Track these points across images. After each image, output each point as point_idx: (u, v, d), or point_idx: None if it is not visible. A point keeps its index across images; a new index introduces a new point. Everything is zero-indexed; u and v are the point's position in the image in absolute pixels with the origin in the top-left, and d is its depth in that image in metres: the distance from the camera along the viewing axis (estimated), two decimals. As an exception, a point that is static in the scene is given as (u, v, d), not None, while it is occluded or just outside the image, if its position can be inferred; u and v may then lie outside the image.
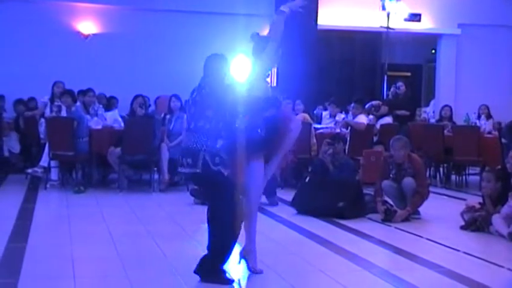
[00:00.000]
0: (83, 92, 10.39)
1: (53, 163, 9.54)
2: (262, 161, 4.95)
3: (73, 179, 9.70)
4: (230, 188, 4.74)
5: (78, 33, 13.46)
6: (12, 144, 11.22)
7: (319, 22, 13.59)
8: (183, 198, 8.59)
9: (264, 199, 8.33)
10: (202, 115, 4.76)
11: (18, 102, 11.88)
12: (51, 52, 12.89)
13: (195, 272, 4.82)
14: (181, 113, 9.91)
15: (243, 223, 4.93)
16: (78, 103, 9.83)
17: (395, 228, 7.11)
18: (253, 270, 5.08)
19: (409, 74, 16.93)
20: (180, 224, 7.10)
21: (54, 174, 9.64)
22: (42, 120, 10.01)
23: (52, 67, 12.36)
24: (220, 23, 13.48)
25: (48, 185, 9.41)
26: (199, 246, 5.50)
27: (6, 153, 11.06)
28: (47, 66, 12.45)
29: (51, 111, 9.95)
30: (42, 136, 10.03)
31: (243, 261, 5.13)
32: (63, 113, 9.64)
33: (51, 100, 10.19)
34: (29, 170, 9.66)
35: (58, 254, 5.62)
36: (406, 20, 14.88)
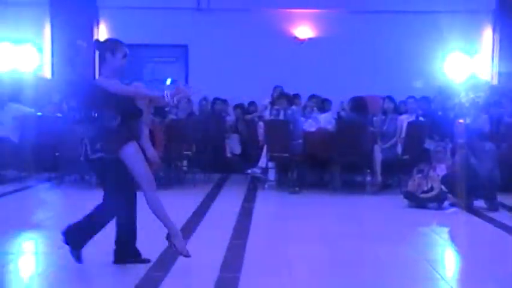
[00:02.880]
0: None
1: (270, 164, 9.99)
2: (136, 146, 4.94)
3: (289, 179, 10.06)
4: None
5: (295, 38, 13.93)
6: (234, 145, 11.91)
7: None
8: (396, 201, 8.53)
9: (482, 203, 8.01)
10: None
11: (237, 106, 12.58)
12: (269, 57, 13.48)
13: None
14: (395, 114, 9.84)
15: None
16: (294, 106, 10.18)
17: None
18: (181, 253, 5.09)
19: None
20: (392, 226, 7.08)
21: (271, 175, 10.08)
22: (261, 123, 10.51)
23: (270, 72, 12.95)
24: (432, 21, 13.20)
25: (266, 185, 9.88)
26: (411, 249, 5.45)
27: (228, 154, 11.77)
28: (266, 71, 13.06)
29: (271, 114, 10.44)
30: (260, 138, 10.53)
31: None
32: (281, 116, 10.07)
33: (272, 104, 10.70)
34: (249, 171, 10.19)
35: (275, 252, 5.90)
36: None
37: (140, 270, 5.07)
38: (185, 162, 10.26)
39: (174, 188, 9.52)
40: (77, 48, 13.07)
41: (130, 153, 4.89)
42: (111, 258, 5.25)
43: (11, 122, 9.96)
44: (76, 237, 5.10)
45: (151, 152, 5.12)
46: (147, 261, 5.27)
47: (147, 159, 5.05)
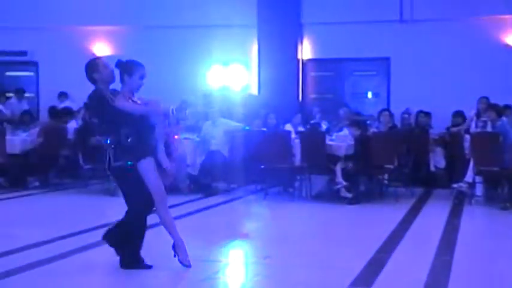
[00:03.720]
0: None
1: (477, 178, 9.56)
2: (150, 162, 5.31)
3: (499, 194, 9.54)
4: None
5: (506, 45, 13.19)
6: (438, 159, 11.56)
7: None
8: None
9: None
10: None
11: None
12: (476, 67, 12.90)
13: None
14: None
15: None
16: (504, 117, 9.67)
17: None
18: (182, 263, 5.43)
19: None
20: None
21: (478, 190, 9.64)
22: (467, 135, 10.11)
23: (475, 82, 12.42)
24: None
25: (473, 201, 9.46)
26: None
27: (432, 168, 11.45)
28: (471, 82, 12.54)
29: (477, 126, 9.99)
30: (466, 151, 10.12)
31: None
32: (488, 128, 9.60)
33: (477, 115, 10.25)
34: (455, 185, 9.84)
35: (483, 272, 5.64)
36: None
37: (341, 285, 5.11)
38: (386, 176, 10.16)
39: (374, 202, 9.47)
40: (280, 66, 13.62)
41: (146, 168, 5.33)
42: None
43: (222, 137, 10.57)
44: (117, 242, 5.52)
45: (167, 165, 5.42)
46: (148, 267, 5.50)
47: (162, 170, 5.40)
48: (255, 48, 14.18)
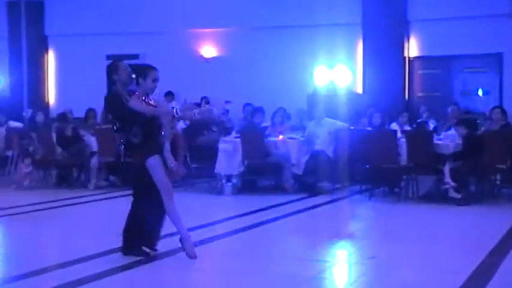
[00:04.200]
0: None
1: None
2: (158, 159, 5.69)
3: None
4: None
5: None
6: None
7: None
8: None
9: None
10: None
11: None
12: None
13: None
14: None
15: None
16: None
17: None
18: (189, 255, 5.77)
19: None
20: None
21: None
22: None
23: None
24: None
25: None
26: None
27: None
28: None
29: None
30: None
31: None
32: None
33: None
34: None
35: None
36: None
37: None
38: (498, 176, 9.76)
39: (486, 203, 9.13)
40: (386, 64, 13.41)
41: (153, 164, 5.71)
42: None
43: (327, 136, 10.53)
44: (129, 241, 5.90)
45: (172, 163, 5.79)
46: (146, 253, 5.88)
47: (168, 168, 5.76)
48: (360, 46, 14.05)
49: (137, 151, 5.77)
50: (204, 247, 6.33)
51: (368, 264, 5.77)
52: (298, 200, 9.64)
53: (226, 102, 13.70)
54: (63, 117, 11.75)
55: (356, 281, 5.41)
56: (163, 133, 5.80)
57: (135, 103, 5.72)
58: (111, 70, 5.92)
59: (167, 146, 5.83)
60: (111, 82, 5.93)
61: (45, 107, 15.92)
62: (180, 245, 5.85)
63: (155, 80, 5.86)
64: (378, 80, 13.57)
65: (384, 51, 13.60)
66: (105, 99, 5.90)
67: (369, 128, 10.70)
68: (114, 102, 5.80)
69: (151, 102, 5.86)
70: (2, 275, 5.48)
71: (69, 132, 11.19)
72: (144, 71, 5.90)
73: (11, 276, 5.34)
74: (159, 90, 14.65)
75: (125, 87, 5.91)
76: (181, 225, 5.84)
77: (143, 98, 5.80)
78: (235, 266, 5.74)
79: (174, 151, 5.93)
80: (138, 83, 5.89)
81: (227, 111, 11.91)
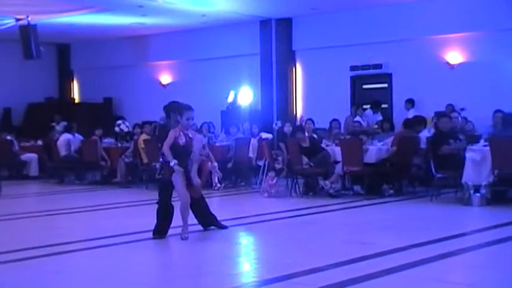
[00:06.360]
0: None
1: None
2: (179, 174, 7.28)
3: None
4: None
5: None
6: None
7: None
8: None
9: None
10: None
11: None
12: None
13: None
14: None
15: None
16: None
17: None
18: (181, 237, 7.38)
19: None
20: None
21: None
22: None
23: None
24: None
25: None
26: None
27: None
28: None
29: None
30: None
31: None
32: None
33: None
34: None
35: None
36: None
37: None
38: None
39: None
40: None
41: (175, 178, 7.27)
42: None
43: None
44: (160, 229, 7.55)
45: (195, 180, 7.33)
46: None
47: (191, 184, 7.33)
48: None
49: (166, 170, 7.33)
50: (452, 259, 6.16)
51: None
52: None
53: (461, 109, 13.19)
54: (299, 128, 12.20)
55: None
56: (192, 157, 7.28)
57: (172, 134, 7.22)
58: (175, 109, 7.44)
59: (194, 167, 7.31)
60: (167, 116, 7.79)
61: (293, 118, 16.62)
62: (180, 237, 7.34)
63: (188, 119, 7.25)
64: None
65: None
66: (159, 127, 7.98)
67: None
68: (162, 132, 7.60)
69: (190, 135, 7.33)
70: (258, 278, 5.82)
71: (306, 143, 11.49)
72: (180, 110, 7.30)
73: (263, 279, 5.63)
74: (402, 96, 14.76)
75: (175, 124, 7.41)
76: (187, 224, 7.45)
77: (181, 131, 7.25)
78: (482, 280, 5.49)
79: (199, 172, 7.46)
80: (175, 119, 7.39)
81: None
